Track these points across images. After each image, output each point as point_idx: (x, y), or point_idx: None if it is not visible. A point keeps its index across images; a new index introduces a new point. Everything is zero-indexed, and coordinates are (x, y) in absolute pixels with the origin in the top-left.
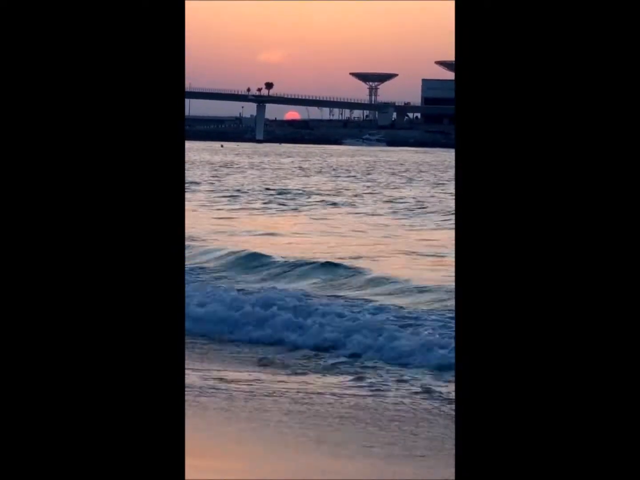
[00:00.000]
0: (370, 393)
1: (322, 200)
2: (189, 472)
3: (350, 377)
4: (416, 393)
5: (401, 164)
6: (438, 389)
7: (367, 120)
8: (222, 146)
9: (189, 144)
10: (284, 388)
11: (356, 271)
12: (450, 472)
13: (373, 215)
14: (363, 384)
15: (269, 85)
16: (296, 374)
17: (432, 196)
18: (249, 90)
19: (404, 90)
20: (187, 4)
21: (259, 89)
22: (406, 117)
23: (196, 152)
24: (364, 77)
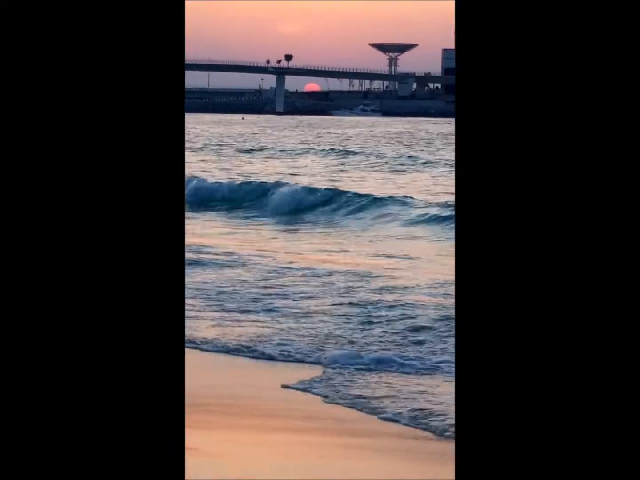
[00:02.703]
0: None
1: None
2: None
3: None
4: None
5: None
6: None
7: (387, 91)
8: (242, 118)
9: (209, 117)
10: None
11: None
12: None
13: None
14: None
15: (289, 57)
16: None
17: None
18: (268, 62)
19: (424, 61)
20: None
21: (279, 61)
22: (427, 88)
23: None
24: (383, 47)
